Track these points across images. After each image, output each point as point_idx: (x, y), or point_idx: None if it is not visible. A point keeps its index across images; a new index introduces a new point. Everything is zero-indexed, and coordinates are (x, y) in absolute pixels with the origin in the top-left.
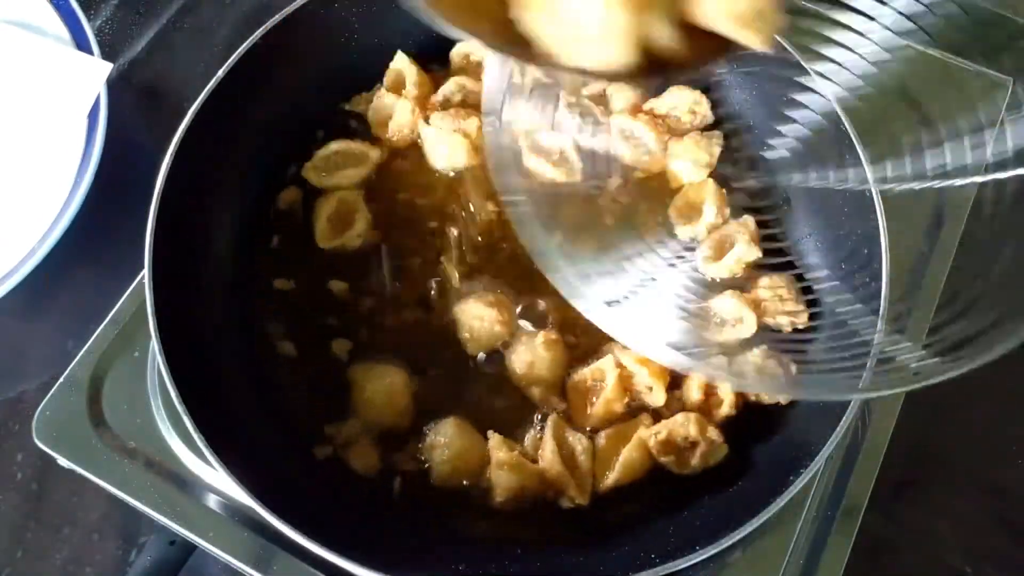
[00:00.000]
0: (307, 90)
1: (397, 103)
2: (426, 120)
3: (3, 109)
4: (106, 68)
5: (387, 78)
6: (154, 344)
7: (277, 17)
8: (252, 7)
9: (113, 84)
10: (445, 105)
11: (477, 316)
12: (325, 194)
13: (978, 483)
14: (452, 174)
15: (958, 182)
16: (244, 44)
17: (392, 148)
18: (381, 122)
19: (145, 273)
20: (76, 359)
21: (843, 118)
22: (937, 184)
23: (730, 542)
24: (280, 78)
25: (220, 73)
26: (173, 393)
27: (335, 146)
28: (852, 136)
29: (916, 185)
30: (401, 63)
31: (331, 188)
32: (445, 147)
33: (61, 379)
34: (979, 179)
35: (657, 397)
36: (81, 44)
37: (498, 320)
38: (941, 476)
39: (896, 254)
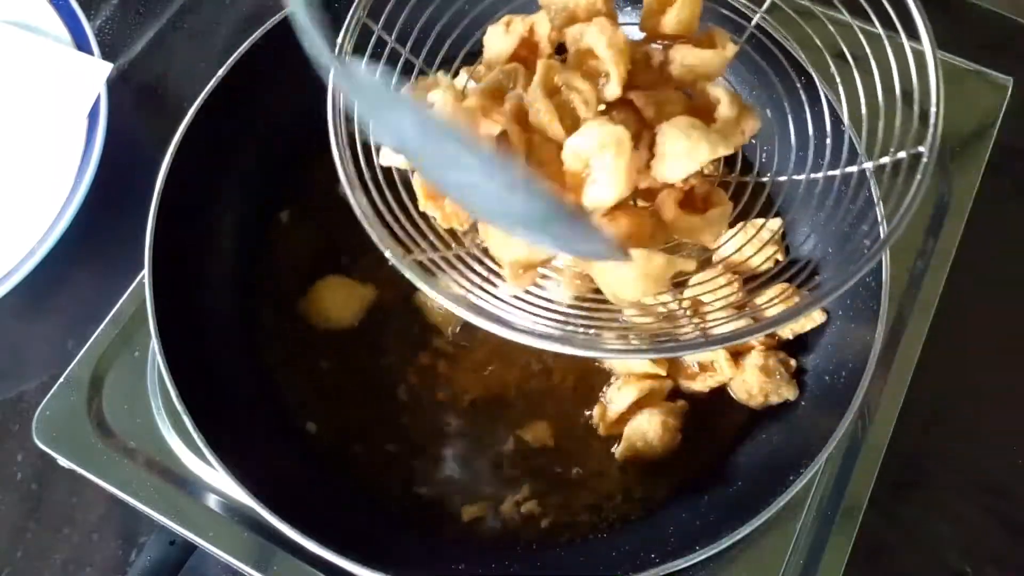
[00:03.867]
0: (308, 90)
1: None
2: None
3: (3, 109)
4: (106, 68)
5: None
6: (154, 344)
7: (277, 17)
8: (252, 7)
9: (113, 84)
10: None
11: None
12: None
13: (978, 483)
14: None
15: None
16: (244, 44)
17: None
18: None
19: (145, 273)
20: (76, 359)
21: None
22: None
23: (730, 542)
24: (281, 78)
25: (220, 73)
26: (173, 393)
27: None
28: (853, 139)
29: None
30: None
31: None
32: None
33: (61, 379)
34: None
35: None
36: (81, 44)
37: None
38: (941, 476)
39: (896, 254)
